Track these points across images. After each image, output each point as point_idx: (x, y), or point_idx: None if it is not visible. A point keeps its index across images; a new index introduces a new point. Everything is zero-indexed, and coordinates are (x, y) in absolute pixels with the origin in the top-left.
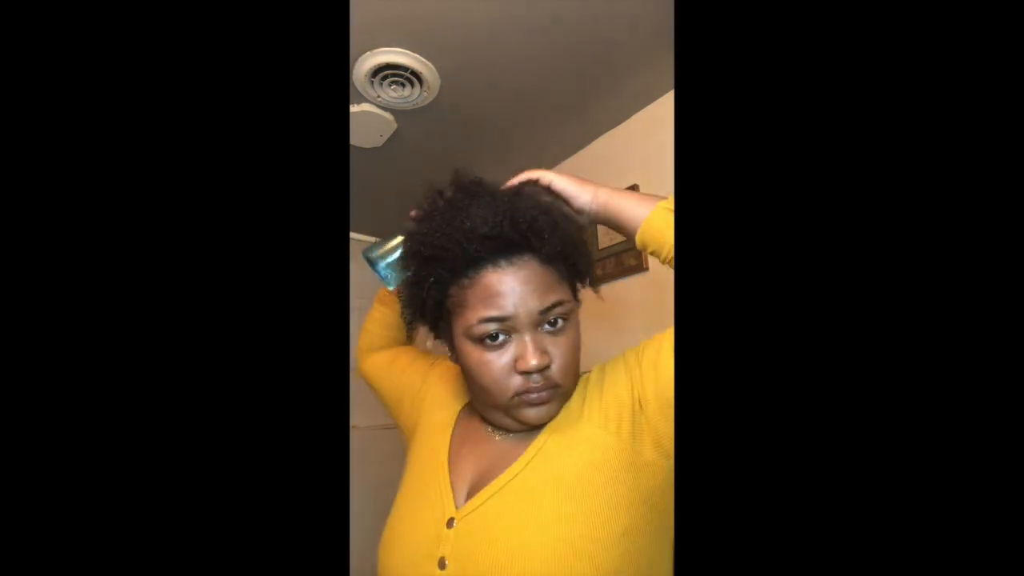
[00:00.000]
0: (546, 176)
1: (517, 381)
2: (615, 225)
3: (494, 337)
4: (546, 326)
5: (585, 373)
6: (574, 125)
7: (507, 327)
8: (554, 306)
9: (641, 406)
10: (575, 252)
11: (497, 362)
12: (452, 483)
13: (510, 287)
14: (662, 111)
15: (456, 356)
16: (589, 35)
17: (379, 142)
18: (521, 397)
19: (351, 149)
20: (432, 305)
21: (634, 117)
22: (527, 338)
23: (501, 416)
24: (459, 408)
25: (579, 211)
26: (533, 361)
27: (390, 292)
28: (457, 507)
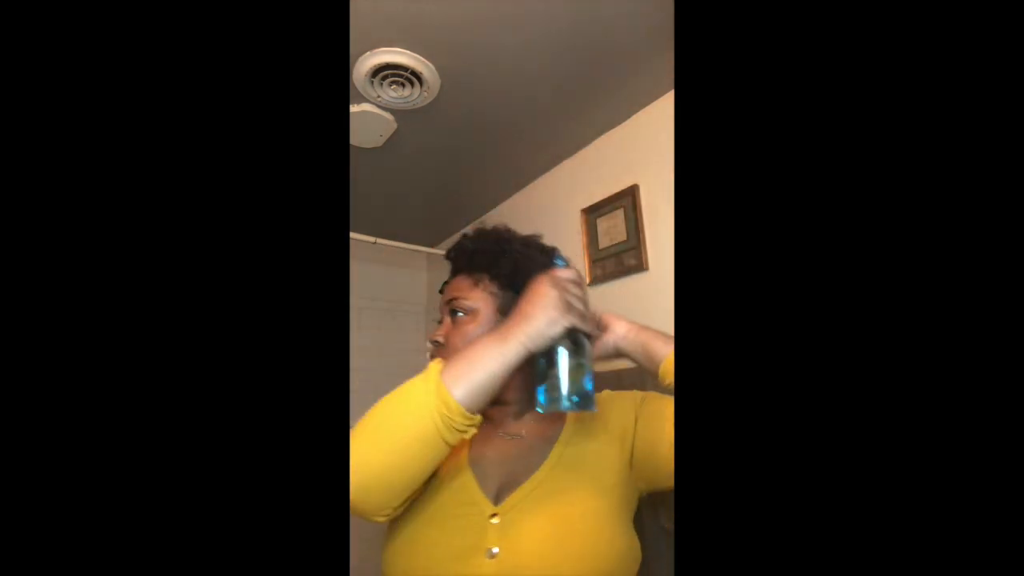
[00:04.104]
0: (606, 318)
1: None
2: (640, 357)
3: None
4: (452, 313)
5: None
6: (574, 125)
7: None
8: (452, 300)
9: (634, 440)
10: (491, 261)
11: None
12: (480, 485)
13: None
14: (662, 111)
15: None
16: (589, 35)
17: (379, 142)
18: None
19: (351, 149)
20: None
21: (634, 117)
22: (446, 319)
23: None
24: None
25: (615, 341)
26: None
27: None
28: (496, 504)
